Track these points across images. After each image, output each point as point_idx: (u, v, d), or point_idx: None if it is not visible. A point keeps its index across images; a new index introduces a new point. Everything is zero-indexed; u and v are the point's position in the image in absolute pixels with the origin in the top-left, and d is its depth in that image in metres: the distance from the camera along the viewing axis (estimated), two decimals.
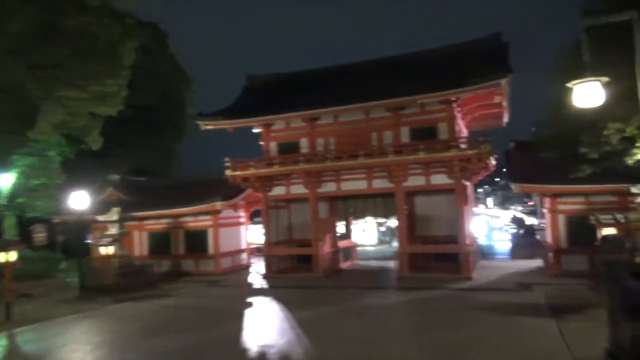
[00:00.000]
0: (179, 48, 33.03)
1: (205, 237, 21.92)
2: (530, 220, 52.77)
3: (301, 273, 19.54)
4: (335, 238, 21.50)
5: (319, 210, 19.74)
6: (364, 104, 17.40)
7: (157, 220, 22.83)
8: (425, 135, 17.88)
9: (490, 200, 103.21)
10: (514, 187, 16.58)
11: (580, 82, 6.36)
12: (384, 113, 18.61)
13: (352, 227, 24.68)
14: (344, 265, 21.71)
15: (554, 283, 15.19)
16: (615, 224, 11.07)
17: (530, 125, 28.64)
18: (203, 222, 22.05)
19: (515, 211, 77.85)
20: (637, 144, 11.64)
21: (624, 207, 15.56)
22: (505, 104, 19.58)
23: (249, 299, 15.15)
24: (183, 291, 17.46)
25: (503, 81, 15.34)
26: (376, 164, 17.87)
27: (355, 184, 18.90)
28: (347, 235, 23.53)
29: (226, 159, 20.13)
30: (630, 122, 11.27)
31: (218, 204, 20.64)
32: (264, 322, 11.68)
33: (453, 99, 17.40)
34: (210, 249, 21.82)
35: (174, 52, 32.35)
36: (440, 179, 17.59)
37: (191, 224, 22.37)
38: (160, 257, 22.43)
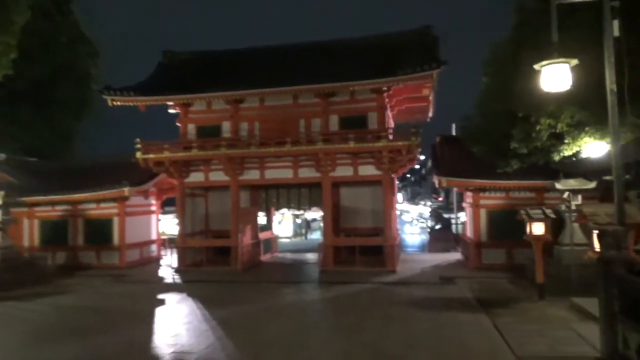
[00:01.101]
0: (86, 16, 29.60)
1: (110, 227, 19.65)
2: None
3: (218, 266, 18.14)
4: (257, 229, 20.32)
5: (240, 200, 18.43)
6: (295, 88, 16.37)
7: (51, 207, 20.12)
8: (354, 124, 17.30)
9: (400, 196, 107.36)
10: (442, 180, 16.50)
11: (548, 64, 5.84)
12: (313, 99, 17.74)
13: (274, 218, 23.58)
14: (264, 258, 20.62)
15: (476, 276, 15.33)
16: (545, 218, 11.13)
17: (450, 121, 29.46)
18: (107, 209, 19.75)
19: (425, 206, 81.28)
20: (566, 141, 11.83)
21: (541, 202, 16.17)
22: (431, 98, 19.63)
23: (160, 296, 13.56)
24: (81, 287, 15.34)
25: (435, 72, 15.11)
26: (304, 152, 16.96)
27: (280, 173, 17.85)
28: (268, 226, 22.41)
29: (137, 139, 18.09)
30: (561, 118, 11.39)
31: (126, 190, 18.52)
32: (179, 324, 10.27)
33: (384, 88, 16.95)
34: (115, 240, 19.60)
35: (79, 20, 28.86)
36: (368, 170, 17.10)
37: (93, 212, 19.96)
38: (54, 249, 19.81)
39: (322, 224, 64.98)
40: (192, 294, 13.53)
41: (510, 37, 13.27)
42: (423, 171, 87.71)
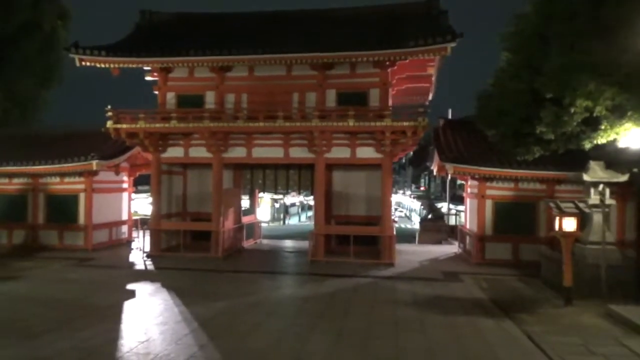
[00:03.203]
0: None
1: (75, 204, 17.67)
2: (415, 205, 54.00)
3: (196, 252, 16.37)
4: (239, 213, 18.57)
5: (222, 180, 16.63)
6: (291, 55, 14.50)
7: (8, 180, 18.06)
8: (354, 101, 15.61)
9: None
10: (448, 167, 15.05)
11: None
12: (308, 71, 15.96)
13: (258, 200, 21.86)
14: (247, 244, 18.93)
15: (481, 273, 14.04)
16: (578, 213, 9.81)
17: (447, 106, 28.12)
18: (73, 184, 17.77)
19: (404, 195, 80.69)
20: (602, 126, 10.45)
21: (551, 195, 14.94)
22: (434, 78, 18.15)
23: (129, 286, 11.80)
24: (38, 272, 13.46)
25: (450, 46, 13.55)
26: (297, 129, 15.24)
27: (269, 151, 16.10)
28: (251, 210, 20.67)
29: (108, 107, 16.04)
30: (599, 101, 9.98)
31: (94, 164, 16.55)
32: (152, 324, 8.55)
33: (389, 62, 15.32)
34: (81, 219, 17.63)
35: None
36: (367, 153, 15.52)
37: (56, 187, 17.93)
38: (10, 226, 17.92)
39: (300, 210, 63.38)
40: (167, 285, 11.80)
41: (537, 9, 11.79)
42: (403, 159, 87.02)
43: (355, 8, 18.63)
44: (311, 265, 14.98)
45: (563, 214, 9.81)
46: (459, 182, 43.70)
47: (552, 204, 10.18)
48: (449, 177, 24.55)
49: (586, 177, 11.14)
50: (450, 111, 26.76)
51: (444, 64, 15.76)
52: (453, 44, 13.42)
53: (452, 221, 27.52)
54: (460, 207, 33.83)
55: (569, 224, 9.85)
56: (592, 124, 10.96)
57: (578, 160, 12.73)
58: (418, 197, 65.24)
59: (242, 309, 9.79)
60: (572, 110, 10.36)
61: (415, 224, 45.70)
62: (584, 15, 10.08)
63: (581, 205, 10.07)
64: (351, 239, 15.46)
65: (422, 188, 67.79)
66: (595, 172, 11.26)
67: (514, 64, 12.24)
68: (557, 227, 9.99)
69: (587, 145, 11.05)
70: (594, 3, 9.94)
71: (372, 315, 9.45)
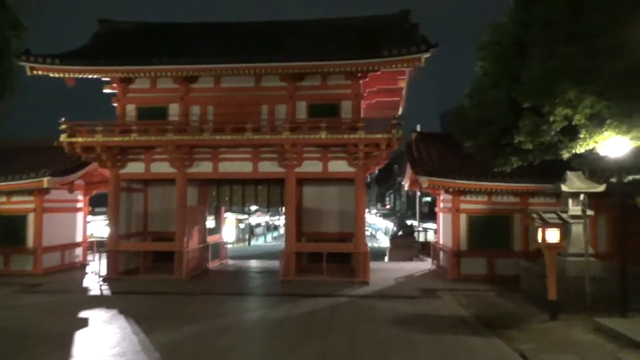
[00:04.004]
0: None
1: (23, 225, 16.25)
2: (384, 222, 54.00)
3: (157, 274, 15.27)
4: (204, 232, 17.56)
5: (187, 196, 15.68)
6: (260, 65, 13.93)
7: None
8: (325, 113, 15.16)
9: None
10: (423, 180, 14.68)
11: None
12: (278, 82, 15.42)
13: (224, 219, 20.88)
14: (212, 265, 17.90)
15: (459, 289, 13.61)
16: (561, 224, 9.52)
17: (415, 121, 28.12)
18: (21, 204, 16.37)
19: (369, 214, 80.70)
20: (580, 135, 10.31)
21: (525, 208, 14.81)
22: (404, 92, 17.96)
23: (82, 313, 10.64)
24: None
25: (424, 56, 13.33)
26: (267, 142, 14.57)
27: (236, 166, 15.34)
28: (216, 229, 19.67)
29: (62, 119, 14.92)
30: (579, 109, 9.84)
31: (45, 181, 15.28)
32: (107, 355, 7.56)
33: (360, 74, 14.97)
34: (29, 241, 16.20)
35: None
36: (339, 166, 15.02)
37: (2, 206, 16.44)
38: None
39: (266, 230, 62.14)
40: (126, 311, 10.71)
41: (513, 18, 11.74)
42: (368, 178, 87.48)
43: (330, 19, 18.49)
44: (283, 285, 14.17)
45: (546, 224, 9.49)
46: (424, 199, 44.05)
47: (534, 215, 9.87)
48: (419, 193, 24.38)
49: (564, 188, 10.97)
50: (418, 126, 26.81)
51: (415, 75, 15.53)
52: (427, 55, 13.21)
53: (420, 238, 27.29)
54: (427, 224, 33.88)
55: (552, 235, 9.54)
56: (570, 134, 10.84)
57: (550, 172, 12.70)
58: (384, 216, 65.35)
59: (211, 334, 8.89)
60: (552, 119, 10.20)
61: (382, 242, 45.49)
62: (561, 22, 10.00)
63: (564, 215, 9.79)
64: (324, 257, 14.79)
65: (387, 206, 67.98)
66: (573, 182, 11.13)
67: (492, 74, 12.08)
68: (540, 239, 9.66)
69: (565, 155, 10.90)
70: (571, 9, 9.88)
71: (354, 336, 8.75)
